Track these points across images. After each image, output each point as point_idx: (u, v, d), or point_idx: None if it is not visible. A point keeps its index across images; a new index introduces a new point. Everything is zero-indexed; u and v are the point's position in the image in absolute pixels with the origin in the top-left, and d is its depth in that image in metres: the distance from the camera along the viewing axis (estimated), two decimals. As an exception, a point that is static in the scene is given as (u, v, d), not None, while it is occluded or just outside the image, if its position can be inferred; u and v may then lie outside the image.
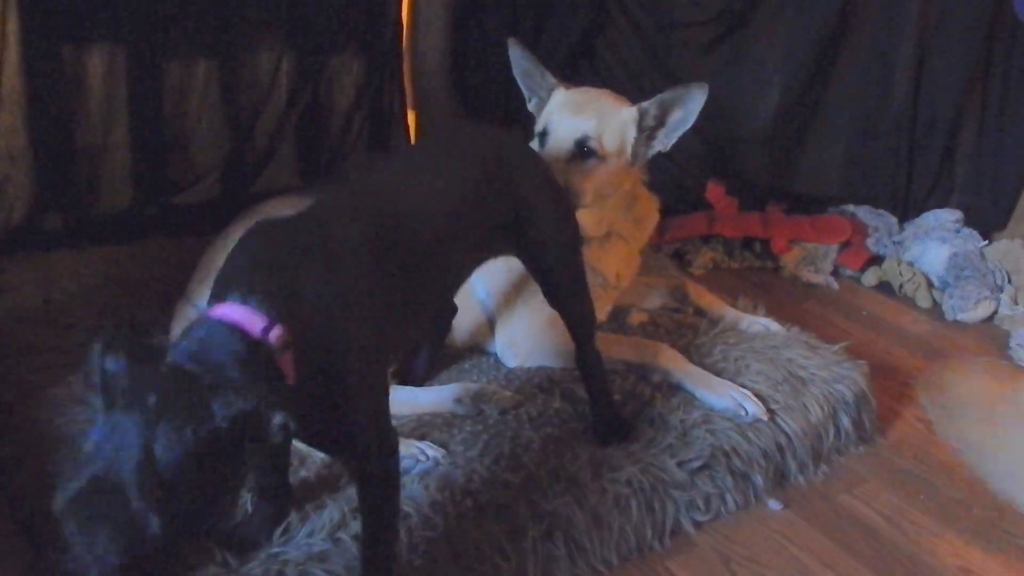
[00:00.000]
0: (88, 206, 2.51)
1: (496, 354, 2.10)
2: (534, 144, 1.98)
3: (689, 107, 1.92)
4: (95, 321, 2.07)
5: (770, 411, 1.91)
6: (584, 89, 2.03)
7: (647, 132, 1.96)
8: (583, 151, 1.92)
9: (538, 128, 1.98)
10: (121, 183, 2.55)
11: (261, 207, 2.11)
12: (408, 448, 1.70)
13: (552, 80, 2.00)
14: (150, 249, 2.43)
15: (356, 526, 1.49)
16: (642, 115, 1.95)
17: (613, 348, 2.01)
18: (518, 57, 2.02)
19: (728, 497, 1.77)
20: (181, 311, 1.98)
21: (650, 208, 2.19)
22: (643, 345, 2.05)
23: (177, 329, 1.94)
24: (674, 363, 2.00)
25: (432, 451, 1.72)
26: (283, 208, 2.08)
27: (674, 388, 1.97)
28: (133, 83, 2.46)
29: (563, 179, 1.87)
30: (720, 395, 1.92)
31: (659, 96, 1.94)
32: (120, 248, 2.42)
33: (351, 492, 1.57)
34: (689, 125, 1.94)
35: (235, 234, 2.01)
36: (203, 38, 2.54)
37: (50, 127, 2.40)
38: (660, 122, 1.96)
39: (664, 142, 1.97)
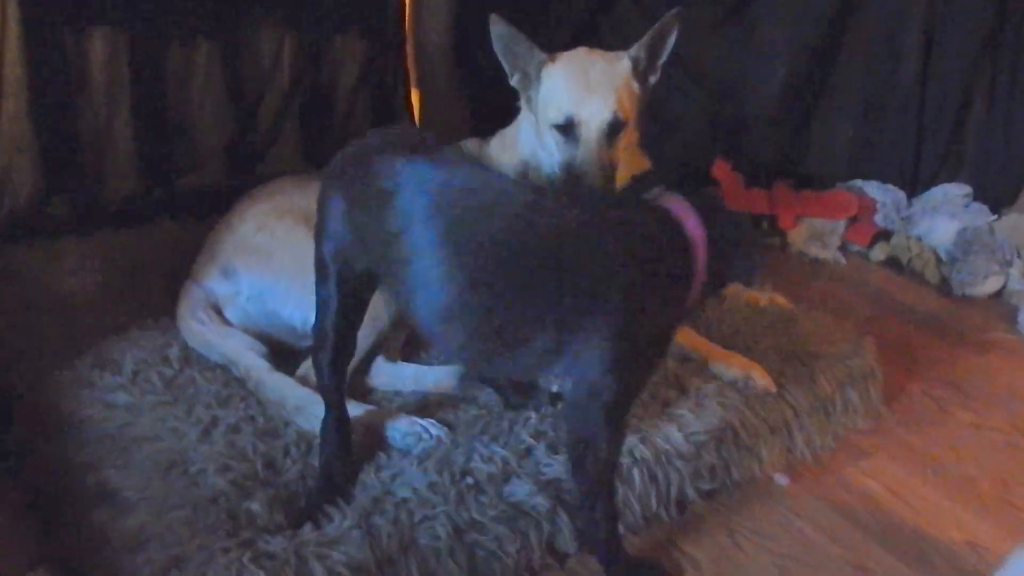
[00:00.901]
0: (93, 192, 2.51)
1: None
2: (550, 135, 1.93)
3: (669, 39, 1.94)
4: (101, 306, 2.08)
5: (778, 385, 1.91)
6: (571, 58, 1.98)
7: (641, 74, 1.97)
8: (613, 127, 1.92)
9: (557, 120, 1.91)
10: (126, 168, 2.55)
11: (264, 188, 2.12)
12: (412, 426, 1.71)
13: (541, 55, 1.95)
14: (156, 233, 2.44)
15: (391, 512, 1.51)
16: (636, 63, 1.95)
17: None
18: (501, 31, 1.95)
19: (734, 470, 1.77)
20: (187, 291, 1.99)
21: (644, 163, 2.19)
22: None
23: (184, 310, 1.95)
24: (681, 335, 2.00)
25: (435, 430, 1.72)
26: (288, 188, 2.09)
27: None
28: (135, 67, 2.45)
29: (604, 159, 1.87)
30: (729, 365, 1.93)
31: (643, 41, 1.93)
32: (126, 232, 2.42)
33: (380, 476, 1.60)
34: (670, 49, 1.96)
35: (238, 216, 2.03)
36: (204, 21, 2.53)
37: (53, 114, 2.40)
38: (650, 61, 1.96)
39: (656, 75, 1.99)
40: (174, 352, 1.89)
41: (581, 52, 2.01)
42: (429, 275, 1.33)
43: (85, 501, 1.53)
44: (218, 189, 2.60)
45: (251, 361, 1.83)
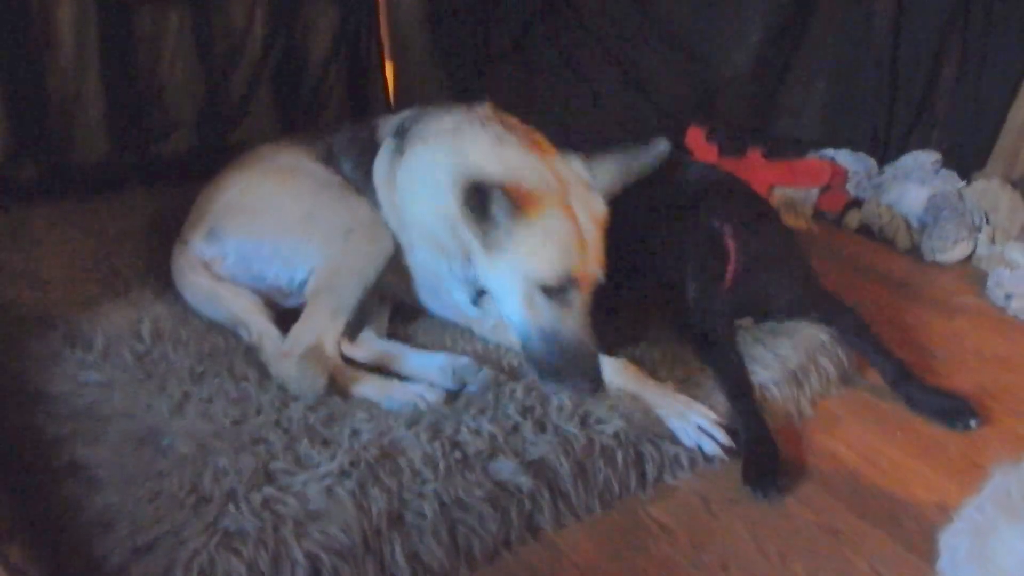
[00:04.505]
0: (63, 156, 2.48)
1: None
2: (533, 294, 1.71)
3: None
4: (72, 275, 2.05)
5: (750, 358, 1.94)
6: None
7: None
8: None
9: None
10: (96, 133, 2.52)
11: (250, 154, 2.10)
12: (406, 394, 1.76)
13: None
14: (128, 199, 2.41)
15: (358, 476, 1.52)
16: None
17: None
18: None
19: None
20: (180, 254, 1.98)
21: None
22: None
23: (182, 265, 1.95)
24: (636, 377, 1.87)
25: (431, 395, 1.76)
26: (272, 154, 2.07)
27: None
28: (104, 32, 2.41)
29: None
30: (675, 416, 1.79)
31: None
32: (98, 199, 2.40)
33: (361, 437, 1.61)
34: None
35: (225, 180, 2.01)
36: (174, -15, 2.49)
37: (21, 78, 2.36)
38: None
39: None
40: (146, 327, 1.87)
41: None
42: None
43: (56, 476, 1.52)
44: (191, 155, 2.58)
45: (263, 326, 1.85)
